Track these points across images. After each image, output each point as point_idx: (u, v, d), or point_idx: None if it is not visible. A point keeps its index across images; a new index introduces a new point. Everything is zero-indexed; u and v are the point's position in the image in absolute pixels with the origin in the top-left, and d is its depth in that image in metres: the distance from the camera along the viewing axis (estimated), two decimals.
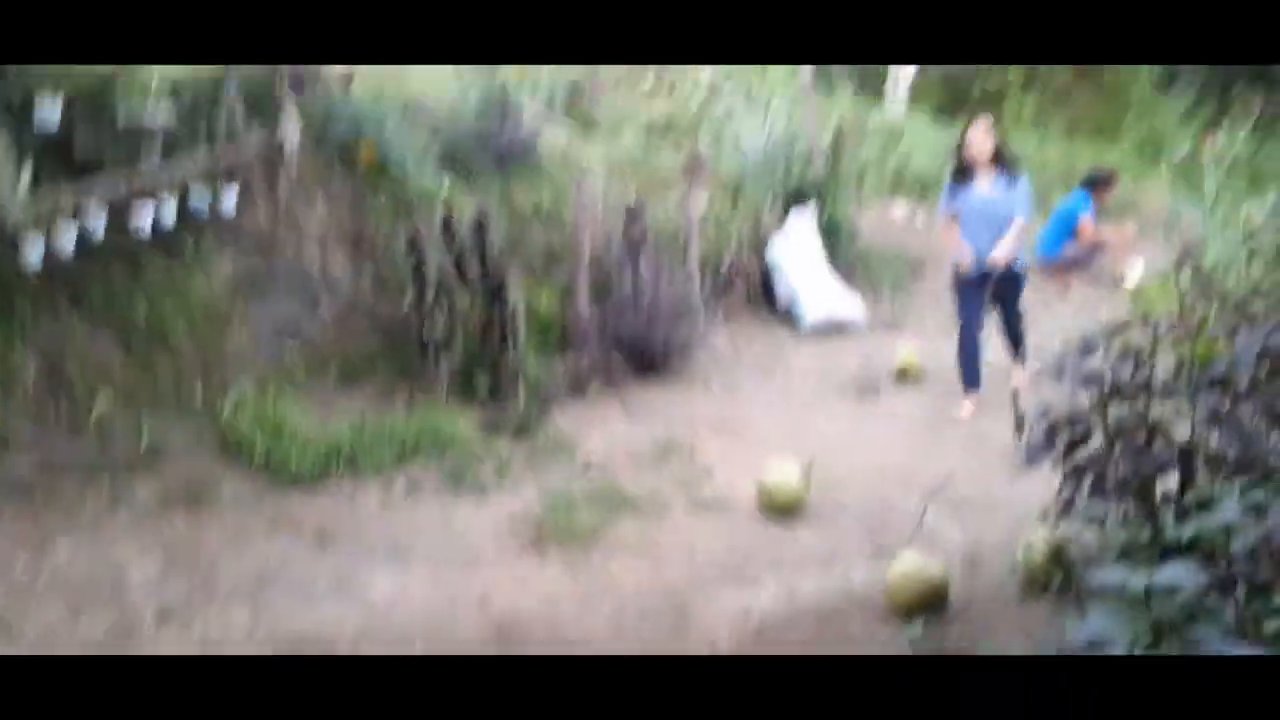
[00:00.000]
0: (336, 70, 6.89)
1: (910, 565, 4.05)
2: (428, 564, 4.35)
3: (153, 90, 5.44)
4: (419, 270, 5.67)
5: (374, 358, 5.81)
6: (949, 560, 4.29)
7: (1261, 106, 11.06)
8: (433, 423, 5.32)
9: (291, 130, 6.00)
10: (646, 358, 6.49)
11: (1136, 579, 2.48)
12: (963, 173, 5.89)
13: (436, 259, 5.80)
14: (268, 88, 5.95)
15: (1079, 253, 8.37)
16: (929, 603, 3.92)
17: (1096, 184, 8.49)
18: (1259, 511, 2.68)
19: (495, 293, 5.82)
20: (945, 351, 7.05)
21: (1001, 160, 5.83)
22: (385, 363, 5.81)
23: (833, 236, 8.16)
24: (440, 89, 7.77)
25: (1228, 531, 2.73)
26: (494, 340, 5.77)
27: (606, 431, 5.84)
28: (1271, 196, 7.68)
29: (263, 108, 5.97)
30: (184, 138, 5.57)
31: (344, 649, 3.78)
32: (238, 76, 5.80)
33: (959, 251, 5.91)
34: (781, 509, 4.88)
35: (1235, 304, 5.41)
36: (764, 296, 7.88)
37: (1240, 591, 2.50)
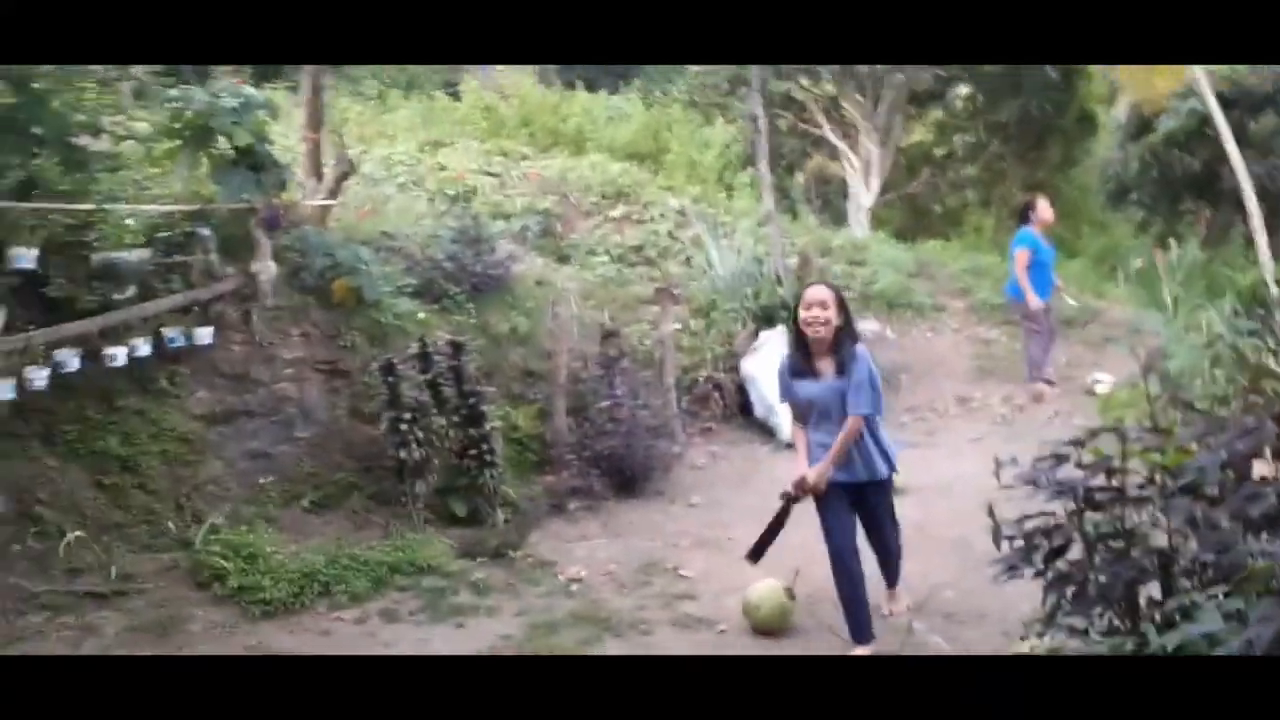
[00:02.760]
0: (311, 208, 7.09)
1: None
2: None
3: (128, 231, 5.57)
4: (394, 397, 5.69)
5: (349, 485, 5.76)
6: None
7: (1210, 218, 11.52)
8: (409, 548, 5.23)
9: (266, 267, 6.11)
10: (626, 475, 6.47)
11: None
12: (800, 354, 4.41)
13: (412, 385, 5.83)
14: (243, 226, 6.10)
15: (1027, 299, 8.40)
16: None
17: (1023, 212, 8.79)
18: (1240, 619, 2.67)
19: (471, 416, 5.83)
20: (926, 461, 7.09)
21: (840, 339, 4.33)
22: (361, 489, 5.75)
23: None
24: (415, 223, 7.98)
25: (1211, 641, 2.70)
26: (471, 463, 5.74)
27: (587, 550, 5.77)
28: (1227, 303, 7.93)
29: (237, 246, 6.10)
30: (159, 276, 5.66)
31: None
32: (213, 217, 5.95)
33: (803, 465, 4.51)
34: (766, 626, 4.79)
35: (1202, 412, 5.51)
36: (740, 411, 7.93)
37: None
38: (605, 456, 6.45)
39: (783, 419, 7.66)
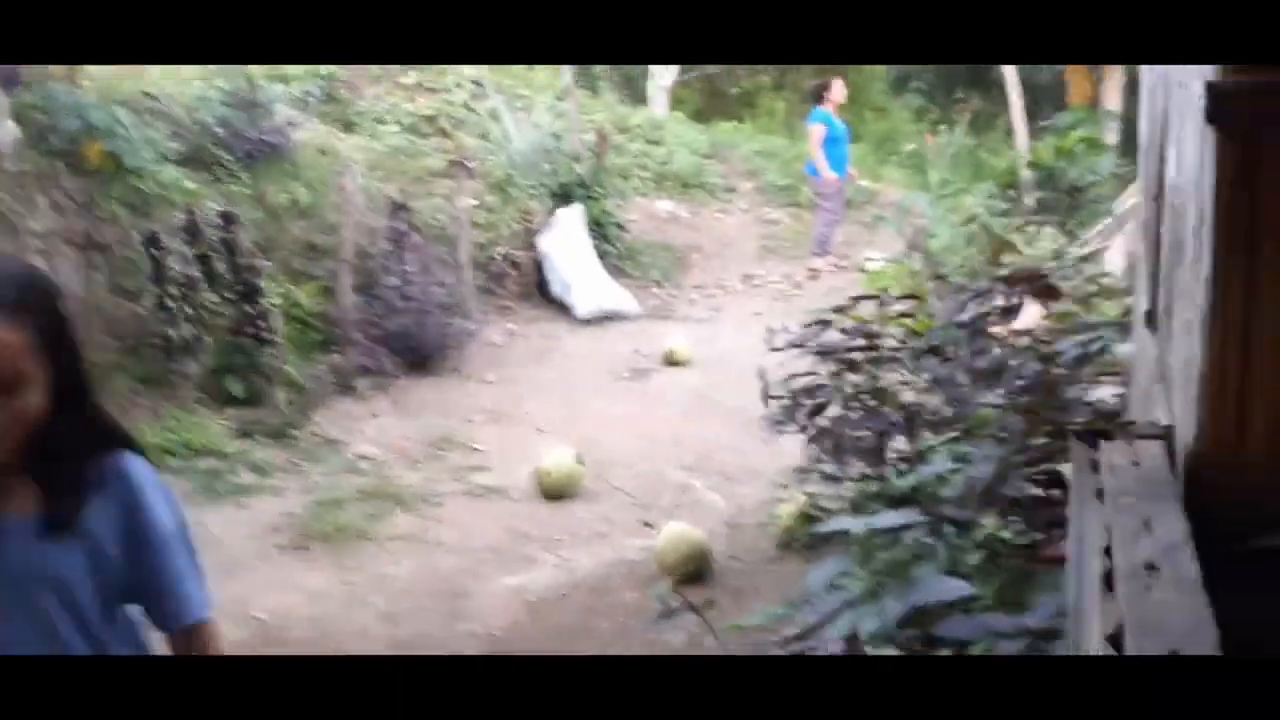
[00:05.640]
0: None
1: (676, 533, 4.23)
2: None
3: None
4: (160, 271, 5.30)
5: (112, 366, 5.37)
6: (713, 526, 4.51)
7: (978, 107, 12.29)
8: (181, 430, 4.99)
9: (4, 127, 5.48)
10: (418, 353, 6.37)
11: (856, 524, 2.71)
12: None
13: (179, 259, 5.45)
14: None
15: (821, 175, 8.89)
16: (694, 566, 4.09)
17: (818, 92, 9.21)
18: (965, 461, 3.00)
19: (246, 291, 5.54)
20: (712, 337, 7.39)
21: (57, 435, 1.45)
22: (126, 371, 5.38)
23: (600, 230, 8.34)
24: (181, 84, 7.31)
25: (940, 480, 3.03)
26: (247, 341, 5.48)
27: (377, 428, 5.70)
28: (985, 186, 8.58)
29: None
30: None
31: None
32: None
33: None
34: (557, 491, 4.95)
35: (954, 284, 6.00)
36: (538, 288, 7.93)
37: (948, 532, 2.79)
38: (396, 334, 6.31)
39: (578, 299, 7.72)
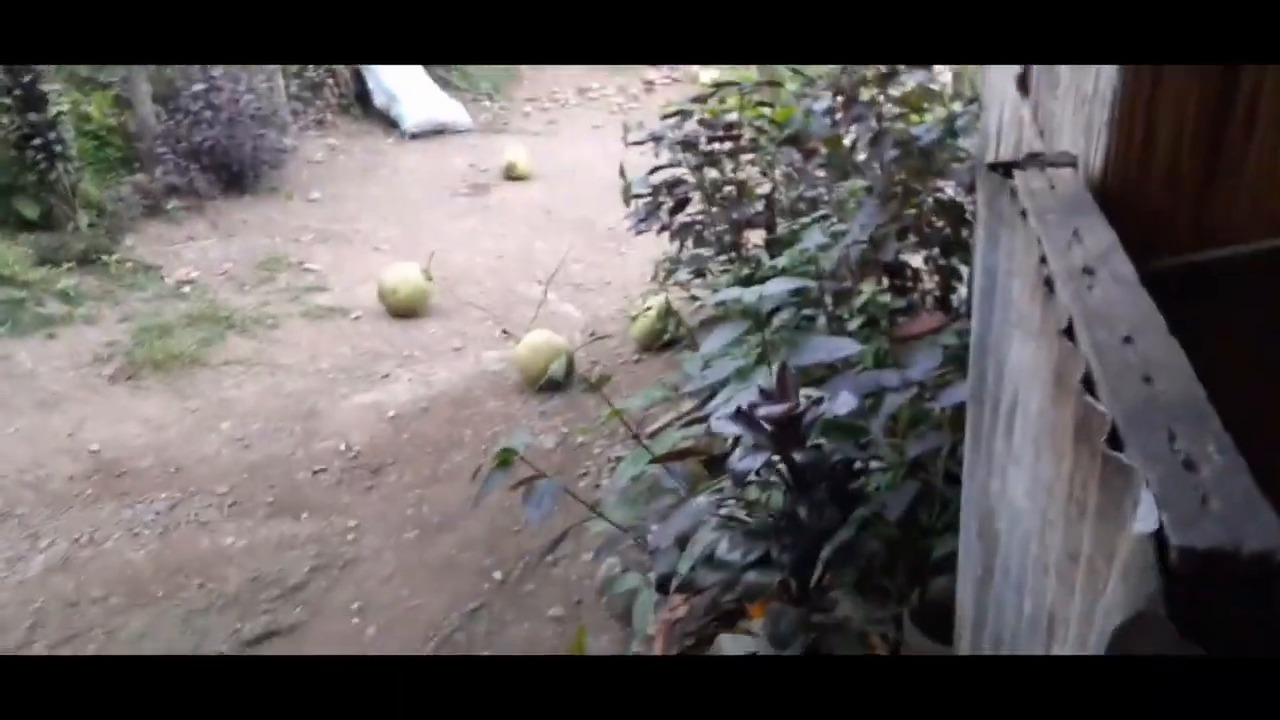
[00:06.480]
0: None
1: (538, 340, 4.16)
2: None
3: None
4: None
5: None
6: (571, 335, 4.47)
7: None
8: None
9: None
10: (232, 170, 5.85)
11: (749, 293, 2.72)
12: None
13: None
14: None
15: None
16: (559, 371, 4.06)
17: None
18: (836, 237, 3.05)
19: (29, 98, 4.85)
20: (551, 151, 7.14)
21: None
22: None
23: None
24: None
25: (813, 259, 3.07)
26: (37, 155, 4.85)
27: (197, 251, 5.26)
28: None
29: None
30: None
31: None
32: None
33: None
34: (405, 309, 4.75)
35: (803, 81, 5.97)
36: (359, 101, 7.38)
37: (829, 301, 2.85)
38: (205, 149, 5.75)
39: (407, 112, 7.24)
